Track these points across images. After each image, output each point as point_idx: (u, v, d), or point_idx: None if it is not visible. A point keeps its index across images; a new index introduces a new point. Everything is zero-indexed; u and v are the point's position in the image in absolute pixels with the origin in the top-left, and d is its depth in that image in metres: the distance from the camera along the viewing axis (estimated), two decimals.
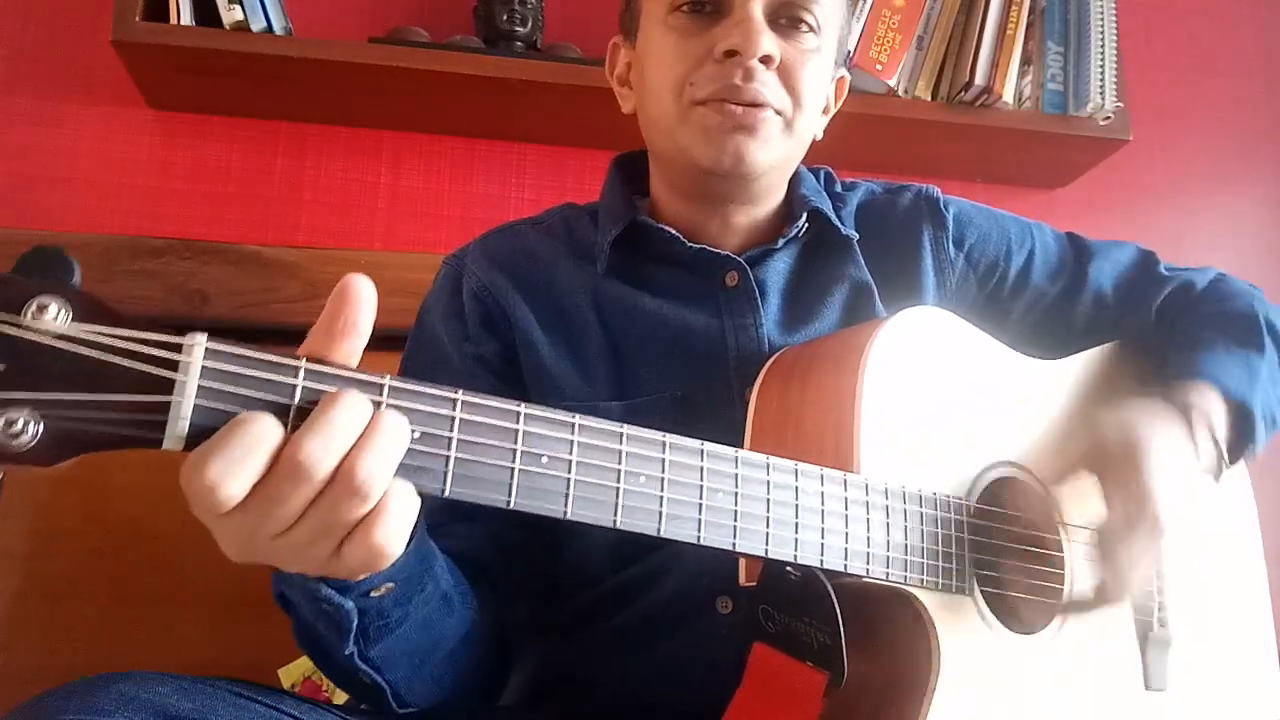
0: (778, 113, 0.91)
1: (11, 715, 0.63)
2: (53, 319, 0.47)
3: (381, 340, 1.11)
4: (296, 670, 1.37)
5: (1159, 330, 1.05)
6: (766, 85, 0.90)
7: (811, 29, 0.93)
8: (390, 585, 0.67)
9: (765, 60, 0.89)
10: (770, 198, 1.00)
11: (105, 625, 1.40)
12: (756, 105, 0.89)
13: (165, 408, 0.49)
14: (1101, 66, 1.79)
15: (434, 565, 0.73)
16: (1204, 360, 0.95)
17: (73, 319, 0.47)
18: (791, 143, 0.94)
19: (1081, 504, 0.90)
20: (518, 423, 0.59)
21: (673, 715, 0.89)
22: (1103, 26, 1.80)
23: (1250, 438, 0.94)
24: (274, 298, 1.54)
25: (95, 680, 0.67)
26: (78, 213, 1.68)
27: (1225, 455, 0.92)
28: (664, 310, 0.96)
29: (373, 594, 0.66)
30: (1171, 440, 0.86)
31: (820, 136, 1.03)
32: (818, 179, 1.07)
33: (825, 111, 1.03)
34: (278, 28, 1.61)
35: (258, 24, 1.59)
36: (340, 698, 1.32)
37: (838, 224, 1.01)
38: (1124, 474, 0.82)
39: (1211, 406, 0.91)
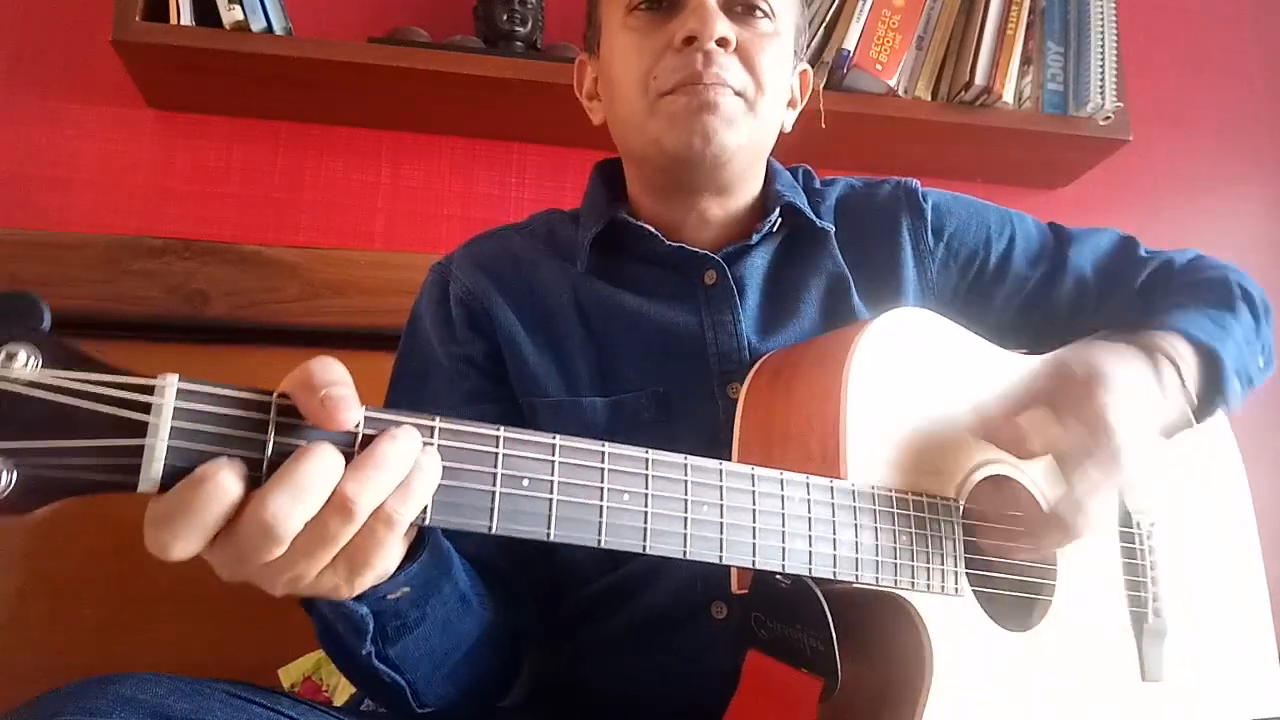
0: (738, 94, 0.93)
1: (10, 716, 0.63)
2: (22, 366, 0.47)
3: (382, 340, 1.12)
4: (296, 670, 1.38)
5: (1140, 306, 1.05)
6: (726, 68, 0.91)
7: (766, 14, 0.95)
8: (406, 590, 0.67)
9: (722, 43, 0.91)
10: (743, 188, 1.01)
11: (105, 625, 1.40)
12: (718, 85, 0.91)
13: (139, 450, 0.49)
14: (1101, 66, 1.79)
15: (451, 568, 0.74)
16: (1174, 315, 0.95)
17: (43, 365, 0.47)
18: (756, 124, 0.95)
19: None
20: (497, 446, 0.59)
21: (670, 718, 0.90)
22: (1103, 26, 1.80)
23: (1220, 387, 0.92)
24: (274, 298, 1.54)
25: (92, 681, 0.67)
26: (78, 213, 1.68)
27: (1195, 402, 0.91)
28: (644, 308, 0.97)
29: (389, 597, 0.67)
30: (1134, 372, 0.85)
31: (788, 129, 1.04)
32: (795, 176, 1.08)
33: (792, 105, 1.05)
34: (278, 28, 1.61)
35: (258, 24, 1.59)
36: (340, 698, 1.33)
37: (813, 217, 1.01)
38: (1080, 399, 0.78)
39: (1179, 350, 0.90)
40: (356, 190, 1.80)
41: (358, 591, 0.58)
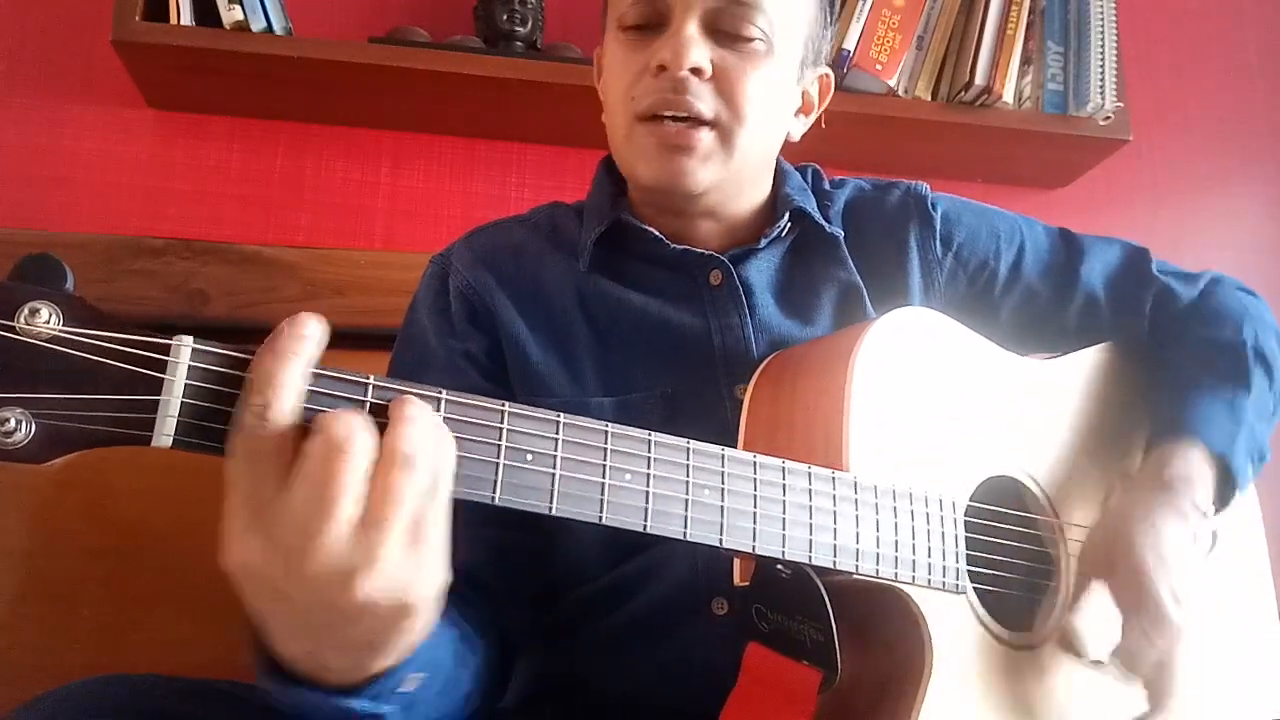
0: (712, 126, 0.90)
1: (10, 716, 0.64)
2: (45, 322, 0.48)
3: (382, 340, 1.12)
4: None
5: (1150, 343, 1.04)
6: (700, 97, 0.89)
7: (759, 36, 0.91)
8: (419, 675, 0.64)
9: (696, 72, 0.89)
10: (738, 203, 1.00)
11: (105, 625, 1.40)
12: (690, 120, 0.89)
13: (154, 406, 0.50)
14: (1101, 66, 1.79)
15: (443, 634, 0.70)
16: (1189, 411, 0.95)
17: (64, 322, 0.49)
18: (734, 159, 0.92)
19: (1077, 506, 0.90)
20: (502, 421, 0.59)
21: (672, 716, 0.89)
22: (1103, 26, 1.80)
23: (1232, 490, 0.94)
24: (274, 298, 1.54)
25: (91, 682, 0.68)
26: (78, 213, 1.68)
27: (1213, 504, 0.92)
28: (650, 308, 0.96)
29: (401, 689, 0.63)
30: (1168, 533, 0.86)
31: (796, 138, 1.02)
32: (804, 177, 1.07)
33: (806, 111, 1.03)
34: (278, 28, 1.61)
35: (258, 24, 1.59)
36: None
37: (822, 222, 1.01)
38: (1132, 590, 0.82)
39: (1196, 473, 0.91)
40: (356, 190, 1.80)
41: (431, 595, 0.56)
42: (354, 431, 0.51)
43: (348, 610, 0.52)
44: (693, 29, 0.89)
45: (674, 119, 0.89)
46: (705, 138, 0.90)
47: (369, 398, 0.55)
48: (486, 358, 0.97)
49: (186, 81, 1.66)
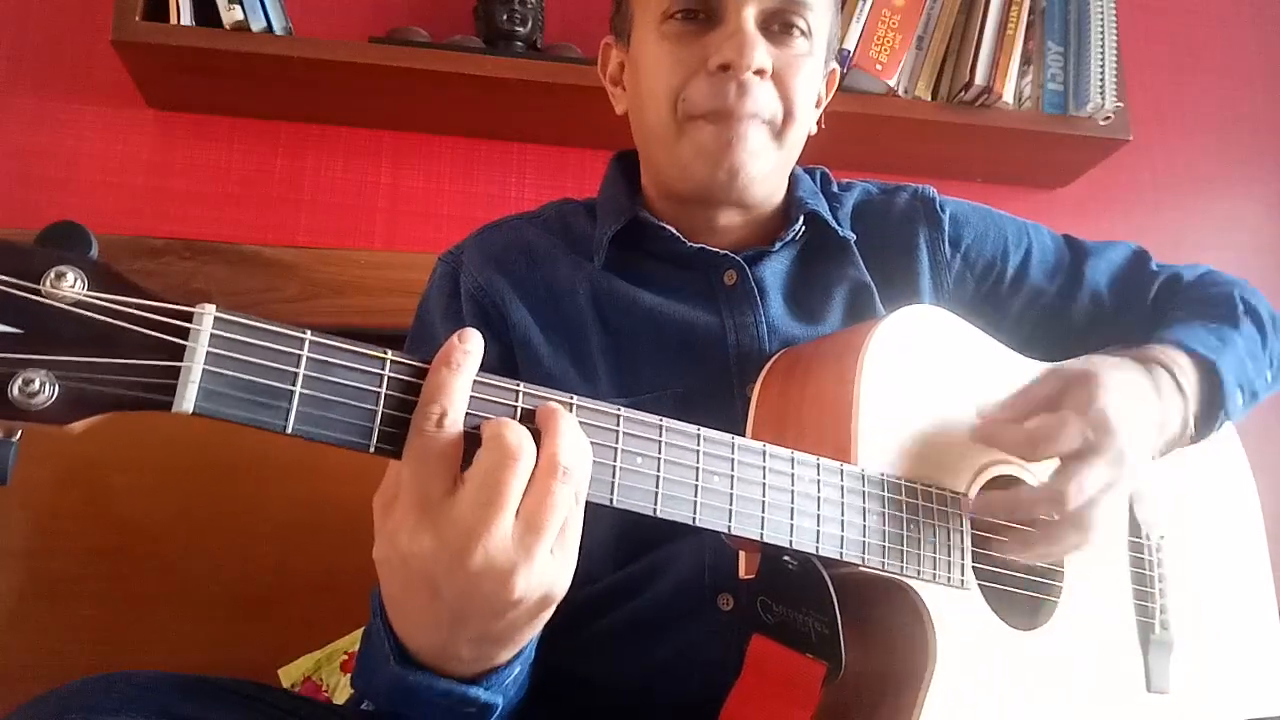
0: (767, 122, 0.92)
1: (13, 714, 0.64)
2: (70, 286, 0.49)
3: (382, 340, 1.11)
4: (296, 670, 1.37)
5: (1152, 321, 1.05)
6: (759, 99, 0.90)
7: (803, 34, 0.93)
8: (518, 669, 0.69)
9: (759, 73, 0.90)
10: (765, 201, 1.00)
11: (105, 625, 1.40)
12: (749, 118, 0.90)
13: (176, 372, 0.51)
14: (1101, 66, 1.79)
15: None
16: (1173, 329, 0.96)
17: (89, 287, 0.49)
18: (783, 151, 0.95)
19: None
20: (516, 400, 0.60)
21: (675, 712, 0.89)
22: (1103, 26, 1.81)
23: (1220, 399, 0.93)
24: (274, 298, 1.54)
25: (97, 680, 0.68)
26: (78, 213, 1.67)
27: (1195, 411, 0.91)
28: (663, 307, 0.96)
29: (509, 681, 0.68)
30: (1130, 378, 0.86)
31: (814, 130, 1.03)
32: (814, 179, 1.08)
33: (817, 104, 1.04)
34: (278, 28, 1.61)
35: (258, 24, 1.59)
36: (340, 698, 1.32)
37: (835, 226, 1.01)
38: (1081, 403, 0.79)
39: (1177, 361, 0.91)
40: (356, 190, 1.80)
41: (565, 590, 0.60)
42: (522, 442, 0.56)
43: (498, 605, 0.57)
44: (753, 26, 0.90)
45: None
46: (763, 132, 0.92)
47: (519, 404, 0.59)
48: (498, 363, 0.97)
49: (186, 81, 1.66)
